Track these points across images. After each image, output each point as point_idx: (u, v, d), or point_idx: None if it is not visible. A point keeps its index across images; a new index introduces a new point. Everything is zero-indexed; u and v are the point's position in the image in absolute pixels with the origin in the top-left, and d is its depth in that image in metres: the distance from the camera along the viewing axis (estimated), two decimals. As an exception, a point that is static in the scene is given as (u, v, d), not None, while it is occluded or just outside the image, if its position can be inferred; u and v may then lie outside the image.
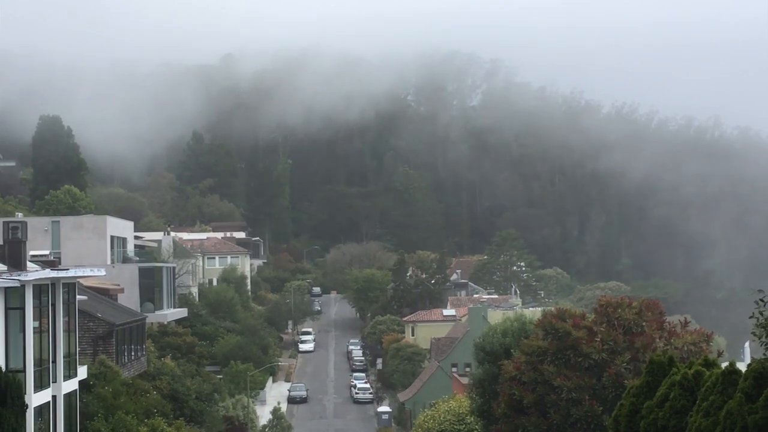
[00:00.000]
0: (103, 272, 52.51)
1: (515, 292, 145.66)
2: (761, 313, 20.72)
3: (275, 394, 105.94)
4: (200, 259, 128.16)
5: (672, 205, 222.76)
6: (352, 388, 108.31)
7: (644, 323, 43.47)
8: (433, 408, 69.76)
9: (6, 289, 39.56)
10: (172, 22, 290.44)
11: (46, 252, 67.73)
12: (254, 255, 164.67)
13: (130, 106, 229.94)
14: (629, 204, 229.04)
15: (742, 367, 25.94)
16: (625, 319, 43.70)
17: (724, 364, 26.90)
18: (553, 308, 53.11)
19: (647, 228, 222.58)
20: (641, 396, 30.69)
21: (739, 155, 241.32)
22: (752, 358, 27.24)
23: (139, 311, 71.48)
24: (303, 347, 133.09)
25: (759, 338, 20.71)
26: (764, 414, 22.77)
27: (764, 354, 21.67)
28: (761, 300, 21.20)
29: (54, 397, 43.47)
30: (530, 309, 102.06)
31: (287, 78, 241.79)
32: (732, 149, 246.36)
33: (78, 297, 48.24)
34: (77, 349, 48.07)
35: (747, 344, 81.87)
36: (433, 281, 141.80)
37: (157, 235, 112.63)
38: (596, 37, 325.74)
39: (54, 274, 43.18)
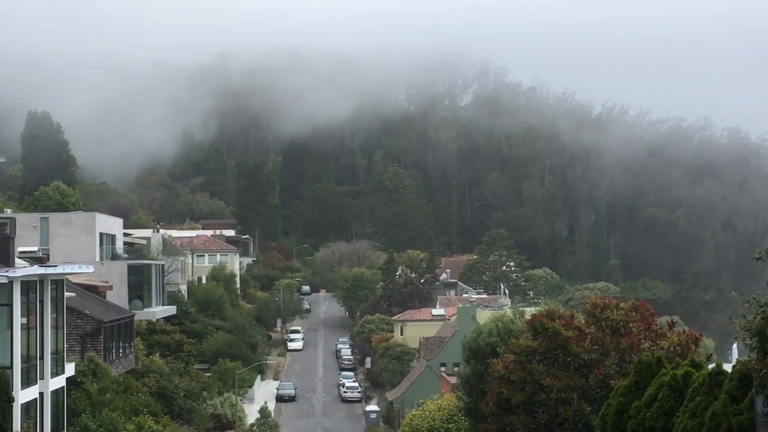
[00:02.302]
0: (91, 269, 52.49)
1: (504, 292, 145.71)
2: (744, 316, 20.83)
3: (263, 392, 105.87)
4: (189, 256, 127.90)
5: (661, 207, 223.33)
6: (341, 387, 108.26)
7: (632, 324, 43.58)
8: (421, 407, 69.83)
9: (-6, 285, 39.50)
10: (164, 20, 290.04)
11: (35, 248, 67.45)
12: (244, 253, 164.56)
13: (121, 104, 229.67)
14: (619, 205, 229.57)
15: (729, 368, 26.06)
16: (613, 320, 43.83)
17: (712, 366, 27.03)
18: (541, 308, 53.19)
19: (636, 229, 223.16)
20: (629, 396, 30.82)
21: (729, 157, 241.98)
22: (737, 360, 27.38)
23: (127, 308, 71.34)
24: (292, 346, 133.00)
25: (744, 341, 20.83)
26: (748, 415, 22.89)
27: (749, 356, 21.78)
28: (747, 302, 21.31)
29: (41, 394, 43.42)
30: (519, 309, 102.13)
31: (279, 77, 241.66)
32: (721, 150, 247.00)
33: (66, 294, 48.21)
34: (65, 346, 48.03)
35: (735, 346, 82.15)
36: (422, 280, 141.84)
37: (147, 233, 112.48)
38: (588, 39, 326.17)
39: (42, 270, 43.10)
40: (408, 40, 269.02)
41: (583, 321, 45.45)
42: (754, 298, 21.01)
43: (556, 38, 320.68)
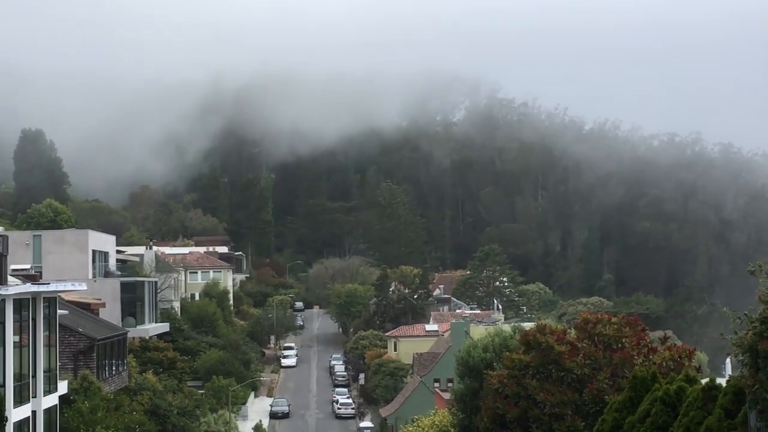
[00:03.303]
0: (84, 287, 52.37)
1: (498, 307, 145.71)
2: (736, 332, 20.86)
3: (257, 409, 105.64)
4: (182, 273, 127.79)
5: (654, 221, 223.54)
6: (334, 404, 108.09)
7: (624, 339, 43.59)
8: (415, 424, 69.70)
9: (-14, 303, 39.36)
10: (158, 39, 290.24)
11: (28, 266, 67.42)
12: (237, 269, 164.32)
13: (114, 121, 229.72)
14: (611, 220, 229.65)
15: (723, 383, 26.08)
16: (605, 335, 43.84)
17: (705, 380, 27.05)
18: (531, 324, 53.12)
19: (629, 243, 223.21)
20: (623, 411, 30.82)
21: (721, 171, 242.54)
22: (730, 375, 27.40)
23: (120, 326, 71.27)
24: (285, 362, 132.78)
25: (735, 356, 20.86)
26: (742, 430, 22.92)
27: (741, 371, 21.80)
28: (738, 318, 21.34)
29: (34, 413, 43.24)
30: (512, 324, 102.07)
31: (272, 94, 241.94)
32: (713, 165, 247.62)
33: (59, 311, 48.09)
34: (58, 364, 47.89)
35: (728, 360, 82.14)
36: (415, 296, 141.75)
37: (140, 250, 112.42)
38: (579, 54, 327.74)
39: (35, 288, 42.98)
40: (400, 56, 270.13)
41: (575, 336, 45.44)
42: (745, 314, 21.03)
43: (548, 54, 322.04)
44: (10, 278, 46.01)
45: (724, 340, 22.28)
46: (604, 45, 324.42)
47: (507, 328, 64.87)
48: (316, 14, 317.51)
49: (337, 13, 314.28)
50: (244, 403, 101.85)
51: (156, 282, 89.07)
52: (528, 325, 61.34)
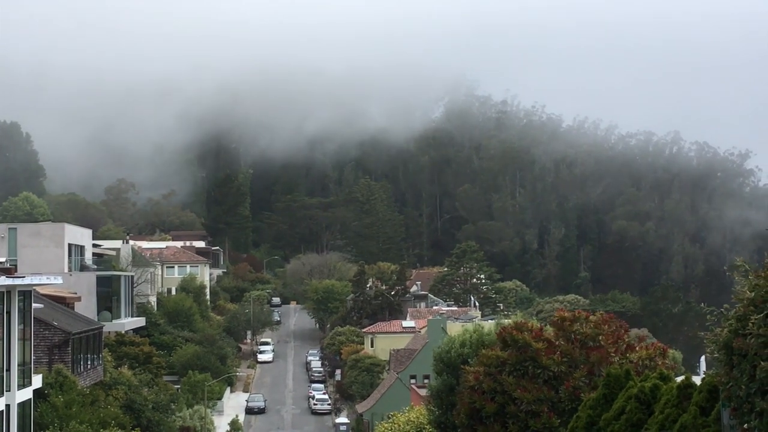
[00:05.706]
0: (60, 280, 52.05)
1: (474, 304, 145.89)
2: (711, 329, 20.95)
3: (233, 404, 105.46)
4: (159, 268, 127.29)
5: (630, 220, 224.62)
6: (311, 399, 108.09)
7: (600, 337, 43.73)
8: (390, 420, 69.74)
9: (-40, 296, 39.09)
10: (137, 33, 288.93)
11: (3, 259, 67.05)
12: (214, 264, 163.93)
13: (91, 114, 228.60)
14: (588, 218, 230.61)
15: (698, 381, 26.21)
16: (582, 333, 43.95)
17: (681, 378, 27.18)
18: (508, 321, 53.22)
19: (606, 242, 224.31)
20: (598, 408, 30.94)
21: (697, 170, 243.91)
22: (705, 373, 27.56)
23: (96, 320, 70.90)
24: (262, 357, 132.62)
25: (711, 353, 20.97)
26: (716, 428, 23.04)
27: (715, 368, 21.90)
28: (714, 315, 21.44)
29: (8, 407, 42.98)
30: (489, 321, 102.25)
31: (251, 89, 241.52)
32: (689, 165, 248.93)
33: (34, 305, 47.78)
34: (32, 358, 47.60)
35: (703, 358, 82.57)
36: (392, 293, 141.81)
37: (116, 244, 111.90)
38: (558, 53, 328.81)
39: (9, 281, 42.70)
40: (380, 53, 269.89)
41: (553, 333, 45.53)
42: (721, 311, 21.13)
43: (527, 52, 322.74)
44: (-16, 271, 45.67)
45: (700, 337, 22.38)
46: (582, 44, 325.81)
47: (484, 324, 64.89)
48: (297, 11, 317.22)
49: (318, 11, 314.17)
50: (219, 398, 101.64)
51: (132, 276, 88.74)
52: (506, 322, 61.47)
